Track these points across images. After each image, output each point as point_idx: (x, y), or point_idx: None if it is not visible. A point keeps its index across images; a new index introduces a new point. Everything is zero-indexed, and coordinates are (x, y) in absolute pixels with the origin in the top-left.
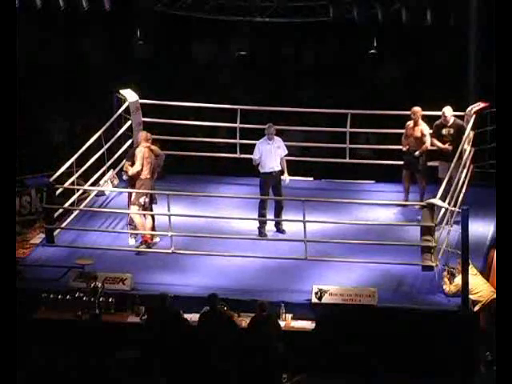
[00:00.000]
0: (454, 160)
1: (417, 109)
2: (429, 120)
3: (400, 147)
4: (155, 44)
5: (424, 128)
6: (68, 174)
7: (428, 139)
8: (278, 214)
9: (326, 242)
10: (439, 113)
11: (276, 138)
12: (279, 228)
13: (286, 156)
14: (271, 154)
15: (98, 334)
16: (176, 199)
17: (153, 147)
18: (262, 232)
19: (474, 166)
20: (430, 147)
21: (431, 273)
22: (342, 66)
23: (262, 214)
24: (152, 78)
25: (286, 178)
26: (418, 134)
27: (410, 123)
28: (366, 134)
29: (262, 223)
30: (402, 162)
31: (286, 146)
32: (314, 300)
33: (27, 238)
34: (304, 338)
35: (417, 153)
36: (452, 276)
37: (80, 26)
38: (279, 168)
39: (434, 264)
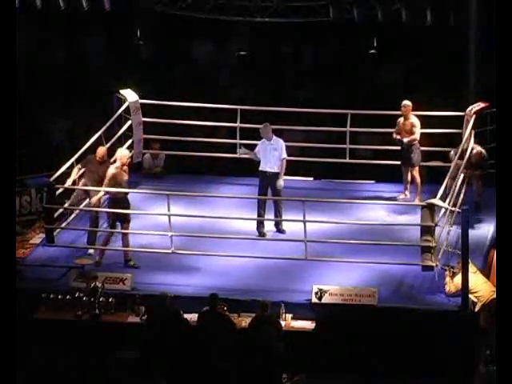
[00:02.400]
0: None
1: (406, 102)
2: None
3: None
4: (155, 44)
5: (414, 120)
6: (68, 174)
7: (418, 130)
8: (277, 214)
9: (326, 242)
10: (439, 113)
11: (277, 139)
12: (279, 228)
13: (284, 159)
14: (266, 153)
15: (97, 333)
16: (176, 199)
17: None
18: (260, 232)
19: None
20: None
21: (431, 273)
22: (341, 66)
23: (259, 214)
24: (152, 78)
25: (279, 181)
26: (408, 127)
27: (401, 119)
28: (366, 133)
29: (259, 223)
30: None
31: (286, 146)
32: (314, 300)
33: (27, 238)
34: (304, 338)
35: (405, 139)
36: (453, 275)
37: (80, 25)
38: (274, 170)
39: (433, 264)
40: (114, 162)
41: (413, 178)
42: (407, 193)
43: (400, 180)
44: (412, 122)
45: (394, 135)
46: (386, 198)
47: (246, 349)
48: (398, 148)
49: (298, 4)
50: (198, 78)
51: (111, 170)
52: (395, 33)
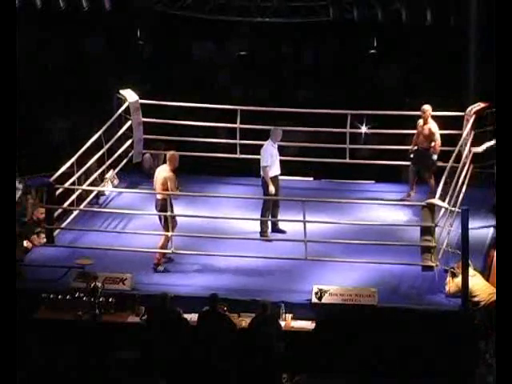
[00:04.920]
0: None
1: (426, 107)
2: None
3: (401, 147)
4: (155, 44)
5: (433, 126)
6: (68, 174)
7: (438, 137)
8: (275, 214)
9: (326, 242)
10: (439, 113)
11: None
12: (277, 228)
13: (280, 156)
14: (277, 157)
15: (97, 334)
16: (176, 199)
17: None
18: (263, 235)
19: (474, 166)
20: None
21: (431, 273)
22: (341, 66)
23: (265, 217)
24: (152, 78)
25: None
26: (427, 132)
27: (420, 121)
28: (366, 133)
29: (265, 225)
30: (401, 163)
31: (286, 147)
32: (314, 300)
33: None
34: (304, 338)
35: (434, 156)
36: (454, 276)
37: (80, 25)
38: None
39: (433, 264)
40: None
41: (426, 180)
42: (412, 193)
43: (399, 180)
44: (430, 129)
45: (414, 141)
46: (386, 197)
47: (246, 349)
48: (398, 148)
49: (298, 4)
50: (197, 78)
51: (168, 173)
52: (395, 33)
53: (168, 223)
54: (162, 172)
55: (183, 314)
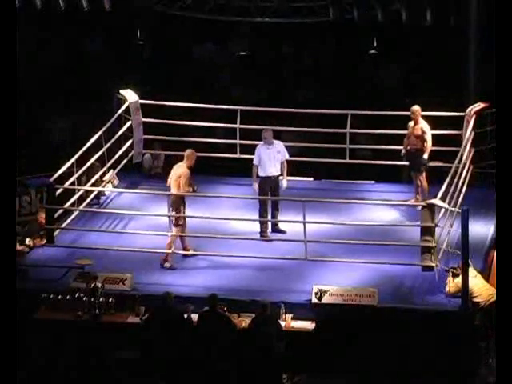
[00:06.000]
0: None
1: (416, 108)
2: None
3: (400, 147)
4: (155, 44)
5: (424, 126)
6: (68, 174)
7: (429, 137)
8: (274, 215)
9: (327, 242)
10: (439, 113)
11: (276, 142)
12: (277, 228)
13: (286, 159)
14: (270, 158)
15: (97, 333)
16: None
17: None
18: (263, 235)
19: (474, 166)
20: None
21: (431, 273)
22: (341, 66)
23: (262, 217)
24: (152, 78)
25: (283, 182)
26: (419, 133)
27: (411, 123)
28: (366, 134)
29: (264, 226)
30: (401, 163)
31: (286, 147)
32: (314, 300)
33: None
34: (304, 338)
35: (425, 155)
36: (454, 276)
37: (80, 25)
38: (278, 173)
39: (433, 264)
40: None
41: (417, 179)
42: (419, 196)
43: (399, 180)
44: (422, 128)
45: (405, 143)
46: (386, 198)
47: (246, 349)
48: (398, 148)
49: (298, 4)
50: (197, 78)
51: (184, 169)
52: (395, 33)
53: (177, 221)
54: (178, 168)
55: (190, 314)
